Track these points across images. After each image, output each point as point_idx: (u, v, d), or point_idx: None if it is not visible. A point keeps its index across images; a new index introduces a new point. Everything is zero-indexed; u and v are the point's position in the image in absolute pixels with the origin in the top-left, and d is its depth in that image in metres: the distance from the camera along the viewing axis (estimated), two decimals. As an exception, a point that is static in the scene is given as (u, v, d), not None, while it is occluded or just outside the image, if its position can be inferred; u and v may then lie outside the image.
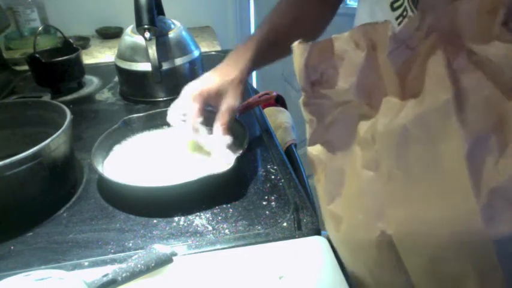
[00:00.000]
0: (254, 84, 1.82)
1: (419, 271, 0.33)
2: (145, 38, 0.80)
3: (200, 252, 0.47)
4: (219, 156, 0.58)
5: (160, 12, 0.92)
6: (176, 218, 0.52)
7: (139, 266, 0.41)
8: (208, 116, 0.61)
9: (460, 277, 0.31)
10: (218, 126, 0.59)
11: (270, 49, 0.64)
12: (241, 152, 0.58)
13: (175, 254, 0.44)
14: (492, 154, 0.28)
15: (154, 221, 0.52)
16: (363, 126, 0.35)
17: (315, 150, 0.40)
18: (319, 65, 0.35)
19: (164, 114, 0.71)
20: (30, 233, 0.51)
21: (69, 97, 0.92)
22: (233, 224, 0.51)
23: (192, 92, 0.60)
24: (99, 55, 1.31)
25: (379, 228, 0.34)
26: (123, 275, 0.40)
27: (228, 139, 0.59)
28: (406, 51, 0.31)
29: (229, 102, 0.60)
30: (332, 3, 0.67)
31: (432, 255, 0.32)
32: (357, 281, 0.42)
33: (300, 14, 0.64)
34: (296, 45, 0.35)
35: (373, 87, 0.34)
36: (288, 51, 0.36)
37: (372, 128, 0.34)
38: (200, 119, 0.60)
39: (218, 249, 0.47)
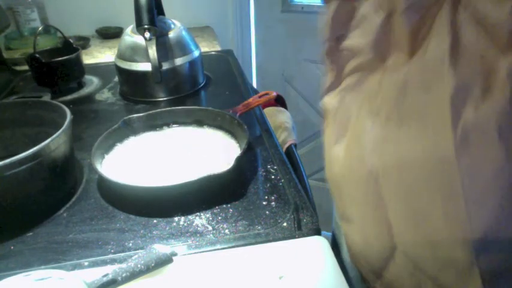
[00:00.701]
0: (254, 84, 1.81)
1: (396, 205, 0.36)
2: (145, 38, 0.80)
3: (200, 252, 0.47)
4: None
5: (160, 12, 0.92)
6: (176, 218, 0.52)
7: (139, 266, 0.41)
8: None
9: (428, 210, 0.34)
10: None
11: None
12: (241, 152, 0.58)
13: (175, 254, 0.44)
14: (474, 99, 0.31)
15: (154, 221, 0.52)
16: (374, 78, 0.39)
17: (330, 98, 0.44)
18: (345, 21, 0.40)
19: (164, 114, 0.71)
20: (30, 233, 0.51)
21: (69, 97, 0.92)
22: (233, 224, 0.51)
23: None
24: (99, 55, 1.31)
25: (370, 165, 0.38)
26: (123, 275, 0.40)
27: None
28: (419, 10, 0.34)
29: None
30: None
31: (408, 187, 0.35)
32: (343, 221, 0.45)
33: None
34: (328, 2, 0.42)
35: (387, 45, 0.37)
36: None
37: (380, 79, 0.38)
38: None
39: (218, 249, 0.47)
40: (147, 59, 0.82)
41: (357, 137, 0.40)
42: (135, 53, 0.85)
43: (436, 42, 0.33)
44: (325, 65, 0.44)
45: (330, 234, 0.49)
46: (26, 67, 0.96)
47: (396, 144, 0.36)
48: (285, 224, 0.50)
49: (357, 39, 0.40)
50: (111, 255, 0.47)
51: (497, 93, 0.30)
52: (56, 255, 0.47)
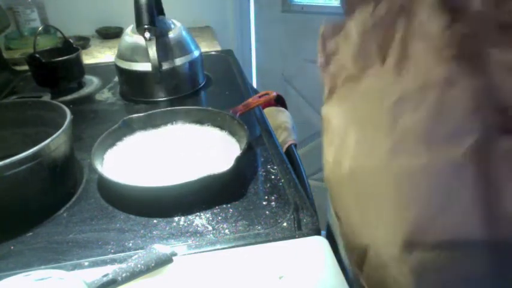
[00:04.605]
0: (254, 84, 1.81)
1: (362, 208, 0.40)
2: (145, 38, 0.80)
3: (200, 252, 0.47)
4: None
5: (160, 12, 0.92)
6: (176, 218, 0.52)
7: (139, 266, 0.41)
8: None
9: (374, 214, 0.38)
10: None
11: None
12: (241, 152, 0.58)
13: (175, 254, 0.44)
14: (412, 108, 0.34)
15: (154, 221, 0.52)
16: (358, 89, 0.42)
17: (326, 107, 0.47)
18: (333, 38, 0.45)
19: (164, 114, 0.71)
20: (30, 233, 0.51)
21: (69, 97, 0.92)
22: (233, 224, 0.51)
23: None
24: (99, 55, 1.31)
25: (345, 168, 0.42)
26: (123, 275, 0.40)
27: None
28: (381, 28, 0.38)
29: None
30: None
31: (364, 192, 0.39)
32: (337, 219, 0.48)
33: None
34: (321, 25, 0.46)
35: (367, 57, 0.41)
36: None
37: (360, 89, 0.42)
38: None
39: (218, 249, 0.47)
40: (147, 59, 0.81)
41: (340, 144, 0.44)
42: (135, 53, 0.85)
43: (390, 55, 0.37)
44: (322, 77, 0.48)
45: (323, 232, 0.49)
46: (26, 67, 0.95)
47: (361, 149, 0.40)
48: (285, 224, 0.50)
49: (343, 52, 0.44)
50: (111, 255, 0.47)
51: (428, 101, 0.33)
52: (56, 255, 0.47)
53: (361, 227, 0.41)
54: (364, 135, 0.40)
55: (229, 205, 0.54)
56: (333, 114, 0.46)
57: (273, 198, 0.55)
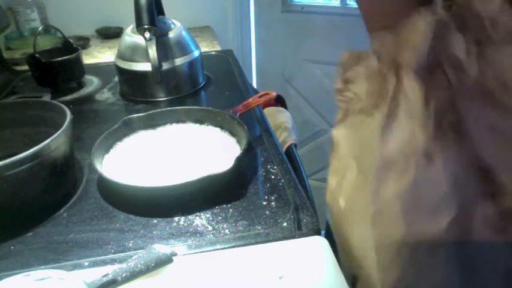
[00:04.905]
0: (254, 84, 1.81)
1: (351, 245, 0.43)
2: (145, 38, 0.80)
3: (200, 252, 0.47)
4: None
5: (160, 12, 0.92)
6: (176, 218, 0.52)
7: (139, 266, 0.41)
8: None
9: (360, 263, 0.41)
10: None
11: None
12: (241, 152, 0.58)
13: (175, 254, 0.44)
14: (394, 176, 0.34)
15: (154, 221, 0.52)
16: (367, 123, 0.42)
17: (336, 131, 0.48)
18: (351, 68, 0.45)
19: (164, 114, 0.71)
20: (30, 233, 0.51)
21: (69, 97, 0.92)
22: (233, 224, 0.51)
23: None
24: (99, 55, 1.31)
25: (339, 203, 0.43)
26: (123, 275, 0.40)
27: None
28: (377, 77, 0.39)
29: None
30: None
31: (355, 237, 0.41)
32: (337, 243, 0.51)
33: None
34: (343, 52, 0.46)
35: (377, 93, 0.41)
36: None
37: (368, 124, 0.41)
38: None
39: (218, 249, 0.47)
40: (147, 59, 0.82)
41: (341, 177, 0.45)
42: (135, 53, 0.85)
43: (384, 106, 0.37)
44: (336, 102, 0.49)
45: (323, 232, 0.50)
46: (26, 67, 0.95)
47: (354, 198, 0.41)
48: (285, 224, 0.50)
49: (359, 85, 0.44)
50: (111, 255, 0.47)
51: (408, 173, 0.33)
52: (56, 255, 0.47)
53: (352, 259, 0.42)
54: (359, 183, 0.40)
55: (229, 205, 0.54)
56: (342, 139, 0.47)
57: (273, 198, 0.55)
